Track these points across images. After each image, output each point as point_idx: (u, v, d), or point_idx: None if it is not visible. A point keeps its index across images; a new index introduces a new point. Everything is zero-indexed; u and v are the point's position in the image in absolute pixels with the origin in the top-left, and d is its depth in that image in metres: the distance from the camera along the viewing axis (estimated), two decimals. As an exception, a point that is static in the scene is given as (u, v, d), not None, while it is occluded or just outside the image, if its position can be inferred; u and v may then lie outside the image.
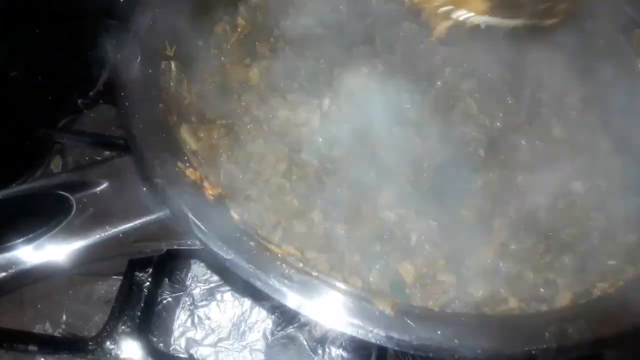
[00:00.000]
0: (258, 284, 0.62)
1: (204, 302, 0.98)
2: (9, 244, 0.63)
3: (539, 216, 0.88)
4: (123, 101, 0.72)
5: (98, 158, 1.06)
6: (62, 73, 1.15)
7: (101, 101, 1.15)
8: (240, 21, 1.00)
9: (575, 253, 0.84)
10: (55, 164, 1.05)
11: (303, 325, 0.96)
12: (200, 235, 0.63)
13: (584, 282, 0.80)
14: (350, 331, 0.61)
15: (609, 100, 0.97)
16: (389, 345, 0.60)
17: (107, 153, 1.08)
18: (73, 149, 1.08)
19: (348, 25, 1.06)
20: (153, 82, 0.77)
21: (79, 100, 1.14)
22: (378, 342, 0.60)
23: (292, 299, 0.62)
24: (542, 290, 0.80)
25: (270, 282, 0.62)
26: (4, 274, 0.61)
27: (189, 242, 0.69)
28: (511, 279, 0.81)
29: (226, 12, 0.99)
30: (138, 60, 0.76)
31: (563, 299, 0.77)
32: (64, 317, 0.95)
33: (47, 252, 0.62)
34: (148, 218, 0.66)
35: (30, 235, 0.62)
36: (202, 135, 0.86)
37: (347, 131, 0.91)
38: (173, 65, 0.85)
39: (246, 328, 0.96)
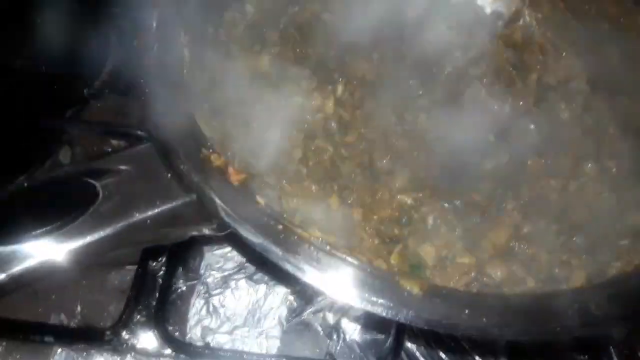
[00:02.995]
0: (288, 267, 0.62)
1: (218, 290, 0.98)
2: (36, 232, 0.62)
3: (550, 198, 0.90)
4: (143, 90, 0.71)
5: (107, 149, 1.05)
6: (66, 63, 1.14)
7: (107, 91, 1.14)
8: (249, 8, 1.00)
9: (587, 234, 0.86)
10: (64, 155, 1.04)
11: (317, 312, 0.97)
12: (228, 220, 0.64)
13: (598, 262, 0.81)
14: (380, 311, 0.61)
15: (615, 84, 0.99)
16: (419, 325, 0.61)
17: (115, 142, 1.07)
18: (81, 139, 1.07)
19: (355, 12, 1.07)
20: (171, 70, 0.76)
21: (85, 90, 1.13)
22: (408, 321, 0.61)
23: (320, 282, 0.63)
24: (557, 270, 0.81)
25: (300, 265, 0.62)
26: (33, 263, 0.61)
27: (213, 228, 0.69)
28: (527, 260, 0.82)
29: (235, 0, 0.99)
30: (155, 48, 0.76)
31: (578, 279, 0.79)
32: (79, 308, 0.94)
33: (75, 239, 0.62)
34: (174, 204, 0.67)
35: (58, 224, 0.62)
36: (214, 124, 0.86)
37: (360, 117, 0.92)
38: (187, 53, 0.85)
39: (261, 315, 0.97)
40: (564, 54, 1.04)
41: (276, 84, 0.93)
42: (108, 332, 0.88)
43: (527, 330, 0.62)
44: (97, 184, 0.64)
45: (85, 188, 0.65)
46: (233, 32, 0.97)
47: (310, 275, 0.62)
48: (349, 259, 0.65)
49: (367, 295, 0.62)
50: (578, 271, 0.80)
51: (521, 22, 1.08)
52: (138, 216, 0.64)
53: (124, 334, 0.89)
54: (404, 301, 0.62)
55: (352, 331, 0.96)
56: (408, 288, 0.63)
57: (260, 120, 0.89)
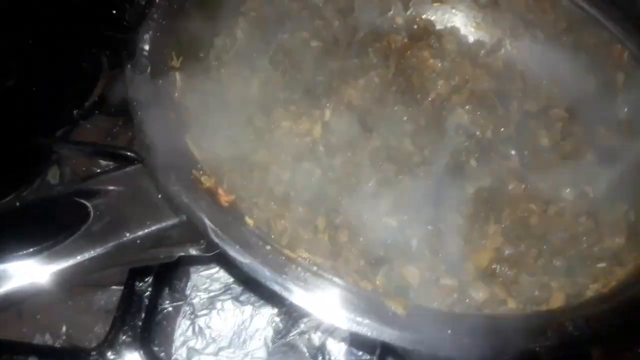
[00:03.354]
0: (276, 287, 0.64)
1: (204, 311, 0.99)
2: (27, 251, 0.63)
3: (531, 222, 0.92)
4: (135, 112, 0.73)
5: (96, 169, 1.06)
6: (57, 83, 1.15)
7: (97, 112, 1.15)
8: (240, 34, 1.03)
9: (566, 257, 0.88)
10: (53, 175, 1.05)
11: (303, 333, 0.98)
12: (217, 241, 0.65)
13: (576, 284, 0.84)
14: (365, 331, 0.63)
15: (592, 112, 1.02)
16: (403, 345, 0.62)
17: (104, 162, 1.08)
18: (69, 159, 1.08)
19: (342, 39, 1.10)
20: (163, 92, 0.78)
21: (75, 111, 1.14)
22: (392, 341, 0.63)
23: (307, 302, 0.64)
24: (537, 292, 0.83)
25: (287, 285, 0.64)
26: (23, 282, 0.62)
27: (202, 248, 0.70)
28: (508, 282, 0.84)
29: (226, 25, 1.01)
30: (148, 71, 0.77)
31: (557, 301, 0.81)
32: (64, 328, 0.94)
33: (66, 258, 0.63)
34: (164, 224, 0.68)
35: (49, 242, 0.63)
36: (205, 146, 0.88)
37: (347, 141, 0.94)
38: (178, 77, 0.87)
39: (247, 336, 0.97)
40: (543, 82, 1.08)
41: (265, 108, 0.95)
42: (94, 353, 0.88)
43: (507, 350, 0.64)
44: (89, 204, 0.65)
45: (76, 208, 0.66)
46: (223, 57, 0.99)
47: (297, 295, 0.64)
48: (336, 279, 0.66)
49: (352, 315, 0.64)
50: (557, 293, 0.82)
51: (503, 51, 1.12)
52: (128, 236, 0.65)
53: (110, 354, 0.89)
54: (388, 321, 0.63)
55: (338, 353, 0.97)
56: (392, 308, 0.65)
57: (249, 143, 0.91)
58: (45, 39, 1.18)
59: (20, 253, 0.63)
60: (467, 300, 0.79)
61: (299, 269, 0.65)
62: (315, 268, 0.66)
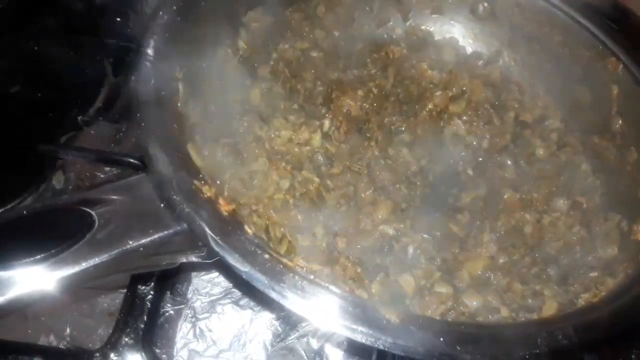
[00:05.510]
0: (273, 294, 0.66)
1: (205, 315, 1.01)
2: (32, 259, 0.65)
3: (525, 231, 0.94)
4: (140, 122, 0.75)
5: (100, 175, 1.08)
6: (61, 90, 1.17)
7: (100, 118, 1.17)
8: (241, 44, 1.05)
9: (559, 266, 0.90)
10: (58, 180, 1.07)
11: (301, 337, 1.00)
12: (217, 249, 0.67)
13: (569, 293, 0.86)
14: (360, 338, 0.65)
15: (587, 123, 1.04)
16: (396, 352, 0.64)
17: (107, 169, 1.10)
18: (74, 165, 1.10)
19: (342, 49, 1.12)
20: (167, 103, 0.80)
21: (79, 118, 1.16)
22: (386, 348, 0.65)
23: (304, 309, 0.66)
24: (530, 300, 0.85)
25: (284, 293, 0.66)
26: (28, 288, 0.64)
27: (202, 255, 0.72)
28: (501, 290, 0.86)
29: (227, 36, 1.03)
30: (152, 82, 0.80)
31: (550, 309, 0.83)
32: (68, 330, 0.96)
33: (71, 265, 0.65)
34: (166, 232, 0.70)
35: (55, 250, 0.65)
36: (206, 154, 0.90)
37: (345, 150, 0.96)
38: (181, 87, 0.89)
39: (247, 340, 0.99)
40: (540, 93, 1.10)
41: (266, 118, 0.97)
42: (97, 354, 0.90)
43: (497, 357, 0.66)
44: (93, 213, 0.68)
45: (81, 216, 0.68)
46: (225, 67, 1.01)
47: (294, 302, 0.66)
48: (332, 287, 0.68)
49: (348, 323, 0.66)
50: (550, 301, 0.84)
51: (500, 62, 1.14)
52: (132, 244, 0.68)
53: (113, 356, 0.91)
54: (382, 329, 0.65)
55: (335, 356, 0.99)
56: (387, 316, 0.66)
57: (250, 151, 0.93)
58: (49, 46, 1.21)
59: (27, 260, 0.65)
60: (461, 308, 0.81)
61: (296, 277, 0.67)
62: (312, 276, 0.68)
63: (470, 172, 1.00)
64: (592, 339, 0.69)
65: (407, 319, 0.67)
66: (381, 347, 0.65)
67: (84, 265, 0.65)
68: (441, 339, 0.65)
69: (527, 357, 0.67)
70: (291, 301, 0.66)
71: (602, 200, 0.98)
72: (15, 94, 1.18)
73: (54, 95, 1.18)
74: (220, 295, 1.03)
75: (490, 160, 1.02)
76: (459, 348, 0.65)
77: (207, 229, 0.68)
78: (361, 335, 0.65)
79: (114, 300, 1.00)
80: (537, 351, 0.67)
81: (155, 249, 0.70)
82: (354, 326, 0.65)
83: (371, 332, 0.65)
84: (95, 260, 0.66)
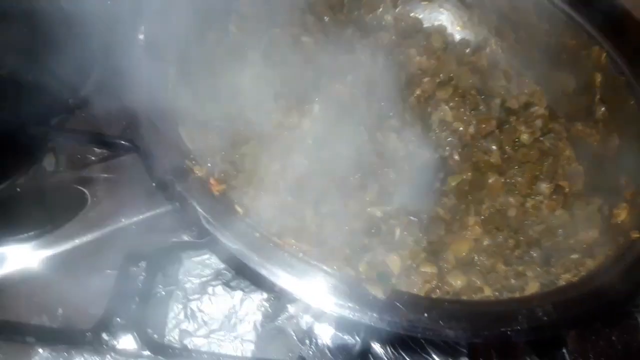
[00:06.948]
0: (263, 271, 0.67)
1: (196, 296, 1.02)
2: (23, 236, 0.66)
3: (509, 214, 0.97)
4: (131, 105, 0.76)
5: (91, 157, 1.08)
6: (52, 72, 1.17)
7: (92, 100, 1.18)
8: (232, 28, 1.06)
9: (542, 248, 0.93)
10: (49, 162, 1.07)
11: (291, 317, 1.01)
12: (208, 227, 0.69)
13: (550, 274, 0.88)
14: (347, 313, 0.67)
15: (571, 110, 1.07)
16: (382, 326, 0.67)
17: (98, 150, 1.10)
18: (65, 147, 1.11)
19: (332, 34, 1.13)
20: (158, 87, 0.81)
21: (70, 100, 1.16)
22: (372, 323, 0.67)
23: (293, 286, 0.68)
24: (513, 281, 0.88)
25: (275, 270, 0.67)
26: (18, 266, 0.65)
27: (194, 234, 0.74)
28: (485, 271, 0.89)
29: (218, 20, 1.04)
30: (143, 66, 0.80)
31: (531, 289, 0.85)
32: (60, 310, 0.97)
33: (64, 242, 0.66)
34: (158, 211, 0.71)
35: (47, 227, 0.66)
36: (197, 136, 0.91)
37: (334, 135, 0.98)
38: (172, 70, 0.90)
39: (237, 320, 1.01)
40: (526, 80, 1.12)
41: (256, 101, 0.98)
42: (89, 334, 0.91)
43: (479, 332, 0.68)
44: (86, 191, 0.69)
45: (73, 194, 0.69)
46: (216, 50, 1.02)
47: (283, 279, 0.68)
48: (321, 265, 0.70)
49: (335, 299, 0.68)
50: (532, 282, 0.87)
51: (487, 49, 1.16)
52: (124, 222, 0.69)
53: (105, 336, 0.92)
54: (369, 305, 0.67)
55: (324, 336, 1.01)
56: (373, 293, 0.69)
57: (240, 134, 0.95)
58: (40, 27, 1.21)
59: (18, 237, 0.66)
60: (445, 287, 0.83)
61: (286, 255, 0.69)
62: (301, 255, 0.70)
63: (456, 157, 1.03)
64: (571, 316, 0.71)
65: (393, 295, 0.69)
66: (367, 322, 0.67)
67: (76, 242, 0.67)
68: (425, 315, 0.67)
69: (508, 332, 0.69)
70: (281, 278, 0.68)
71: (585, 185, 1.00)
72: (5, 76, 1.17)
73: (44, 78, 1.18)
74: (211, 277, 1.04)
75: (476, 146, 1.04)
76: (442, 323, 0.67)
77: (198, 208, 0.69)
78: (349, 310, 0.67)
79: (106, 280, 1.00)
80: (518, 327, 0.69)
81: (147, 227, 0.71)
82: (341, 302, 0.67)
83: (358, 307, 0.67)
84: (88, 237, 0.67)
